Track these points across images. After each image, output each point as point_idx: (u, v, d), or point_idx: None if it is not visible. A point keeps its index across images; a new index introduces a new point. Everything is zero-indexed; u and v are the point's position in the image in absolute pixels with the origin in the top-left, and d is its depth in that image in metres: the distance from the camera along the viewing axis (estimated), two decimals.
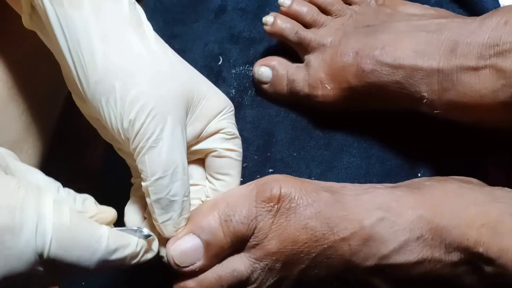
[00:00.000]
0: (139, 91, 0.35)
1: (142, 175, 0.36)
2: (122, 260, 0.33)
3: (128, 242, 0.34)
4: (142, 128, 0.35)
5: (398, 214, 0.38)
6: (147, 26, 0.38)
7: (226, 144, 0.40)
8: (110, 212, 0.35)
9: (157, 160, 0.35)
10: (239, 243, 0.38)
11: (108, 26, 0.36)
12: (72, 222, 0.31)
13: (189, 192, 0.37)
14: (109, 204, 0.36)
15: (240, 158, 0.41)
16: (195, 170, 0.41)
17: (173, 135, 0.35)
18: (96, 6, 0.36)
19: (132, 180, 0.41)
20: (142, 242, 0.35)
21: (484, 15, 0.43)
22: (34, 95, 0.46)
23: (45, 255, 0.30)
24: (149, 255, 0.36)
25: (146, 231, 0.35)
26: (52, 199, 0.31)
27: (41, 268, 0.30)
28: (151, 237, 0.36)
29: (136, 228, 0.35)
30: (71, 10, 0.35)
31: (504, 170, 0.48)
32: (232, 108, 0.41)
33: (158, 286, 0.41)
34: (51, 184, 0.33)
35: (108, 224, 0.35)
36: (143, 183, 0.36)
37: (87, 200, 0.34)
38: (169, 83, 0.36)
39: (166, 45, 0.39)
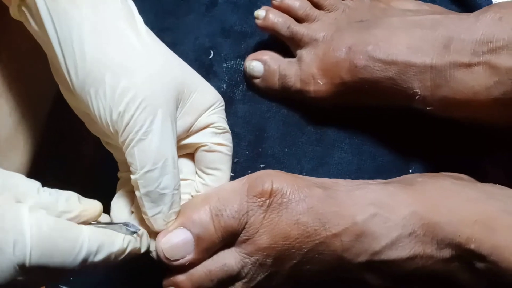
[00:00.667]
0: (129, 82, 0.34)
1: (131, 168, 0.35)
2: (107, 258, 0.33)
3: (112, 240, 0.33)
4: (132, 120, 0.34)
5: (390, 210, 0.37)
6: (139, 19, 0.37)
7: (217, 139, 0.39)
8: (94, 207, 0.35)
9: (147, 152, 0.34)
10: (230, 238, 0.37)
11: (99, 18, 0.35)
12: (50, 229, 0.31)
13: (179, 185, 0.36)
14: (100, 199, 0.35)
15: (231, 153, 0.40)
16: (185, 164, 0.40)
17: (163, 128, 0.35)
18: None
19: (119, 174, 0.40)
20: (129, 238, 0.34)
21: (478, 11, 0.43)
22: (23, 93, 0.45)
23: (27, 265, 0.30)
24: (142, 249, 0.36)
25: (133, 227, 0.35)
26: (28, 208, 0.30)
27: (22, 278, 0.30)
28: (140, 231, 0.35)
29: (121, 223, 0.34)
30: (62, 1, 0.35)
31: (503, 169, 0.48)
32: (223, 102, 0.40)
33: (148, 281, 0.40)
34: (30, 186, 0.32)
35: (94, 219, 0.34)
36: (132, 176, 0.35)
37: (71, 199, 0.34)
38: (160, 76, 0.36)
39: (158, 39, 0.38)
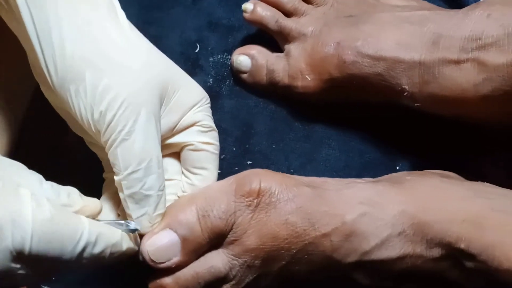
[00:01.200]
0: (110, 80, 0.33)
1: (114, 169, 0.34)
2: (104, 252, 0.32)
3: (111, 232, 0.33)
4: (114, 119, 0.33)
5: (380, 209, 0.37)
6: (121, 14, 0.36)
7: (203, 137, 0.38)
8: (95, 204, 0.34)
9: (130, 153, 0.33)
10: (217, 239, 0.37)
11: (80, 12, 0.34)
12: (52, 215, 0.30)
13: (164, 186, 0.35)
14: (90, 194, 0.35)
15: (217, 152, 0.39)
16: (170, 164, 0.39)
17: (147, 127, 0.34)
18: None
19: (104, 175, 0.39)
20: (125, 235, 0.34)
21: (467, 7, 0.42)
22: (3, 81, 0.44)
23: (26, 251, 0.29)
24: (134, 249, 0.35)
25: (133, 225, 0.34)
26: (30, 193, 0.30)
27: (18, 266, 0.29)
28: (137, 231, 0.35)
29: (123, 221, 0.34)
30: None
31: (504, 168, 0.48)
32: (208, 100, 0.40)
33: (133, 283, 0.40)
34: (32, 178, 0.32)
35: (94, 216, 0.34)
36: (115, 177, 0.34)
37: (72, 193, 0.33)
38: (143, 73, 0.35)
39: (141, 34, 0.37)
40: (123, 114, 0.33)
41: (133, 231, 0.34)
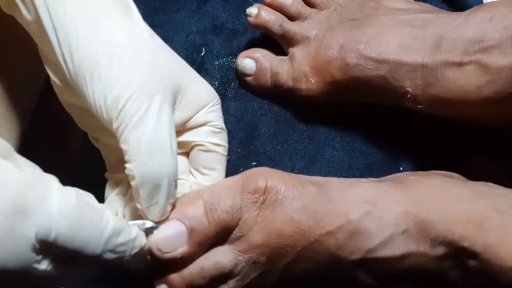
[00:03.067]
0: (126, 67, 0.33)
1: (125, 157, 0.33)
2: (126, 246, 0.32)
3: (130, 227, 0.33)
4: (127, 104, 0.32)
5: (384, 208, 0.37)
6: (136, 11, 0.36)
7: (213, 138, 0.38)
8: (112, 210, 0.34)
9: (143, 139, 0.32)
10: (223, 234, 0.36)
11: (98, 7, 0.34)
12: (78, 201, 0.30)
13: (176, 176, 0.35)
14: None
15: (226, 153, 0.39)
16: (180, 163, 0.38)
17: (161, 114, 0.33)
18: None
19: (107, 175, 0.39)
20: (142, 233, 0.34)
21: (469, 10, 0.42)
22: (9, 83, 0.44)
23: (51, 237, 0.28)
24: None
25: (148, 223, 0.34)
26: (57, 182, 0.30)
27: (38, 258, 0.29)
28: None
29: (142, 221, 0.34)
30: None
31: (506, 169, 0.48)
32: (219, 101, 0.39)
33: (138, 281, 0.39)
34: (53, 178, 0.31)
35: None
36: (126, 165, 0.33)
37: (91, 198, 0.33)
38: (157, 66, 0.34)
39: (154, 33, 0.37)
40: (136, 99, 0.33)
41: (150, 229, 0.34)
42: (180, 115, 0.37)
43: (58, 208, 0.29)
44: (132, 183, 0.34)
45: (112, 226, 0.31)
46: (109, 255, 0.31)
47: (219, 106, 0.39)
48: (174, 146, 0.34)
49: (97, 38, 0.33)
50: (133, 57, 0.34)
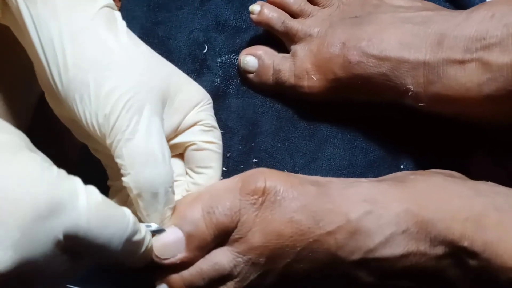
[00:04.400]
0: (113, 85, 0.33)
1: (121, 170, 0.34)
2: (138, 244, 0.33)
3: (141, 227, 0.33)
4: (118, 121, 0.33)
5: (384, 207, 0.36)
6: (121, 23, 0.36)
7: (205, 137, 0.38)
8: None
9: (135, 152, 0.33)
10: (222, 236, 0.36)
11: (80, 22, 0.34)
12: (103, 199, 0.30)
13: (172, 182, 0.35)
14: None
15: (221, 151, 0.39)
16: (175, 165, 0.39)
17: (150, 125, 0.34)
18: (69, 3, 0.34)
19: (109, 183, 0.39)
20: (149, 232, 0.34)
21: (471, 8, 0.42)
22: (8, 87, 0.44)
23: (80, 233, 0.29)
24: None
25: (155, 225, 0.35)
26: (81, 180, 0.30)
27: (59, 253, 0.29)
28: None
29: (149, 224, 0.35)
30: (43, 7, 0.33)
31: (506, 168, 0.47)
32: (210, 100, 0.39)
33: (140, 280, 0.39)
34: None
35: None
36: (123, 178, 0.34)
37: None
38: (143, 77, 0.35)
39: (139, 41, 0.37)
40: (126, 114, 0.33)
41: (156, 232, 0.34)
42: (171, 123, 0.37)
43: (87, 206, 0.29)
44: (131, 194, 0.34)
45: (133, 225, 0.31)
46: (124, 253, 0.32)
47: (210, 106, 0.39)
48: (167, 153, 0.35)
49: (82, 59, 0.34)
50: (119, 72, 0.34)
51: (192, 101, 0.38)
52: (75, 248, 0.29)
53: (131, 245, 0.32)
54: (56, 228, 0.28)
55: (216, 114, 0.40)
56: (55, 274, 0.30)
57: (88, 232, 0.29)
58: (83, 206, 0.29)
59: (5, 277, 0.27)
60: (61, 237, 0.28)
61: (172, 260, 0.35)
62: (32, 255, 0.27)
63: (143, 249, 0.33)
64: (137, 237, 0.32)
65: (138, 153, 0.33)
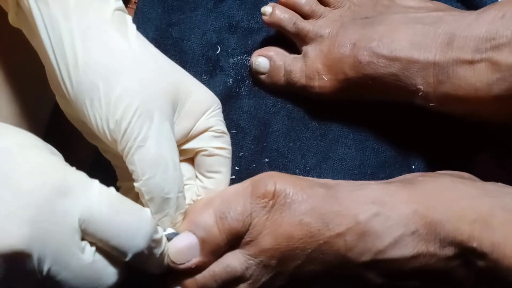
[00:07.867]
0: (123, 89, 0.33)
1: (133, 176, 0.34)
2: (158, 244, 0.33)
3: (158, 228, 0.33)
4: (129, 127, 0.33)
5: (392, 209, 0.36)
6: (131, 26, 0.36)
7: (216, 143, 0.38)
8: None
9: (147, 159, 0.33)
10: (234, 240, 0.36)
11: (91, 25, 0.34)
12: (119, 196, 0.31)
13: (183, 187, 0.35)
14: None
15: (230, 156, 0.39)
16: (185, 169, 0.39)
17: (161, 132, 0.34)
18: (81, 6, 0.34)
19: (119, 184, 0.39)
20: (164, 236, 0.34)
21: (481, 9, 0.41)
22: (25, 93, 0.44)
23: (91, 222, 0.29)
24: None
25: (170, 230, 0.35)
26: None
27: (83, 244, 0.29)
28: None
29: (164, 228, 0.35)
30: (55, 9, 0.33)
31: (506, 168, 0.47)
32: (220, 105, 0.39)
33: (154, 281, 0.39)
34: None
35: None
36: (135, 184, 0.34)
37: None
38: (154, 81, 0.34)
39: (150, 45, 0.37)
40: (137, 121, 0.33)
41: (170, 235, 0.35)
42: (182, 128, 0.37)
43: (99, 192, 0.30)
44: (142, 199, 0.34)
45: (151, 220, 0.32)
46: (147, 251, 0.32)
47: (219, 111, 0.39)
48: (177, 159, 0.35)
49: (92, 62, 0.33)
50: (129, 76, 0.34)
51: (203, 106, 0.38)
52: (93, 237, 0.30)
53: (153, 243, 0.32)
54: (70, 210, 0.28)
55: (228, 114, 0.40)
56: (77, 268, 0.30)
57: (98, 222, 0.29)
58: (96, 192, 0.29)
59: (20, 256, 0.27)
60: (76, 222, 0.28)
61: (187, 265, 0.35)
62: (47, 236, 0.27)
63: (161, 249, 0.33)
64: (157, 236, 0.32)
65: (150, 160, 0.33)
